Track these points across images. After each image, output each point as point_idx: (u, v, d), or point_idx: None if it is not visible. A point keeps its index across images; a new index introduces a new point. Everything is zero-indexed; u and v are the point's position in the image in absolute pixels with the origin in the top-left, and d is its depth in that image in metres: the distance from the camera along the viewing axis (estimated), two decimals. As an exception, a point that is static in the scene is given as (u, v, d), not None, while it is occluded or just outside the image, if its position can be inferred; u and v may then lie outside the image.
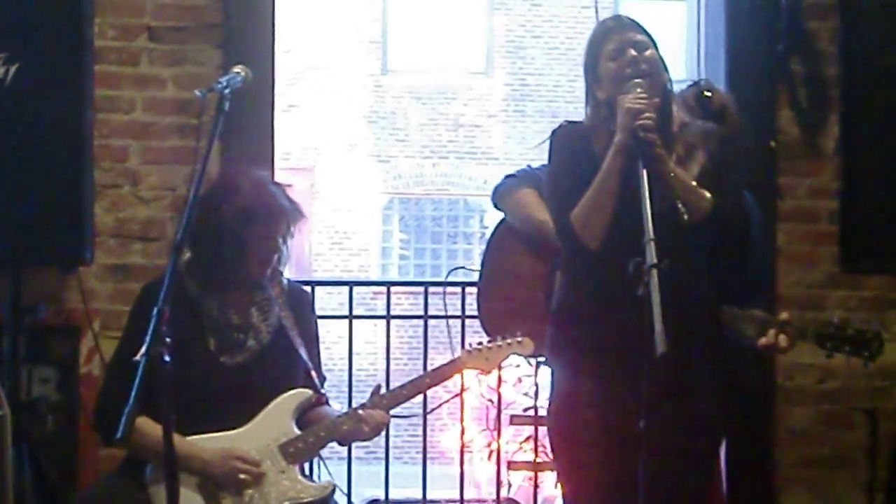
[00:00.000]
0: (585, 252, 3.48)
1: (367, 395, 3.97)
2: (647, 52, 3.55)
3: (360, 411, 3.92)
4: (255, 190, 3.93)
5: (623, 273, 3.34)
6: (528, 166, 4.44)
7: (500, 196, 4.46)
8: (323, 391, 4.05)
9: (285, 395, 3.90)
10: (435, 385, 4.12)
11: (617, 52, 3.55)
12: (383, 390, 4.00)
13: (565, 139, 3.65)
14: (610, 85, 3.56)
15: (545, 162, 3.78)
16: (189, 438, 3.74)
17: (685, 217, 3.39)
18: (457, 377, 4.64)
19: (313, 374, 3.99)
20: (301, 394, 3.93)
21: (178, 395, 3.39)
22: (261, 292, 3.98)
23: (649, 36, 3.61)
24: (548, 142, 3.68)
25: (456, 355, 4.14)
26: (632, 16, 3.74)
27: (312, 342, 4.07)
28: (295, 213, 4.00)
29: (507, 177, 4.47)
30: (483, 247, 4.61)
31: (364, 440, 3.98)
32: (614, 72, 3.54)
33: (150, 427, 3.53)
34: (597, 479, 3.56)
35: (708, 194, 3.48)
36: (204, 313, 3.90)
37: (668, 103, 3.60)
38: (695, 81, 4.21)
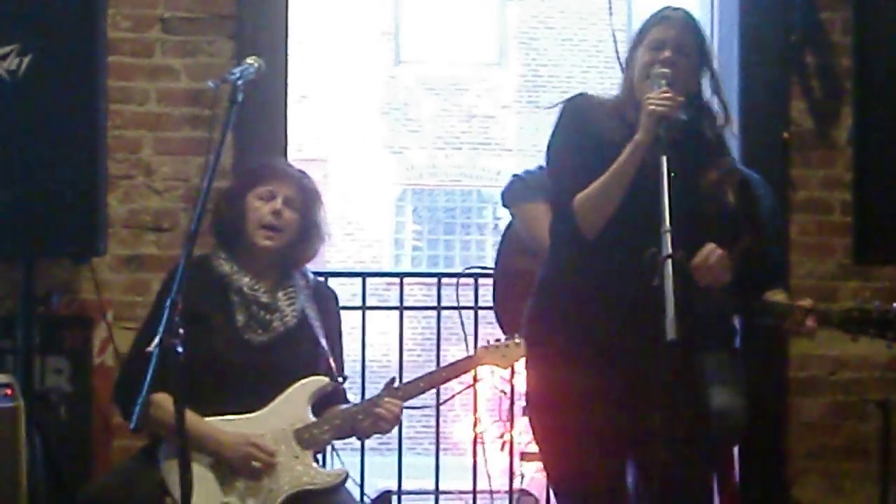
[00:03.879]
0: (581, 239, 3.45)
1: (381, 386, 3.98)
2: (682, 61, 3.49)
3: (375, 403, 3.94)
4: (264, 160, 4.08)
5: (621, 264, 3.37)
6: (539, 166, 4.38)
7: (509, 201, 4.47)
8: (342, 386, 4.07)
9: (304, 381, 3.93)
10: (450, 380, 4.17)
11: (657, 45, 3.49)
12: (397, 383, 4.01)
13: (578, 112, 3.56)
14: (636, 73, 3.52)
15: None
16: (207, 419, 3.78)
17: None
18: (471, 368, 4.65)
19: (333, 365, 4.01)
20: (319, 381, 3.95)
21: (200, 368, 3.52)
22: (287, 280, 4.03)
23: (702, 37, 3.55)
24: (559, 108, 3.59)
25: (472, 351, 4.17)
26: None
27: (335, 339, 4.11)
28: (303, 183, 4.03)
29: (515, 177, 4.48)
30: (497, 239, 4.60)
31: (380, 433, 3.99)
32: (643, 64, 3.49)
33: (168, 403, 3.51)
34: (585, 467, 3.58)
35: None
36: (233, 289, 3.94)
37: (699, 104, 3.57)
38: None
